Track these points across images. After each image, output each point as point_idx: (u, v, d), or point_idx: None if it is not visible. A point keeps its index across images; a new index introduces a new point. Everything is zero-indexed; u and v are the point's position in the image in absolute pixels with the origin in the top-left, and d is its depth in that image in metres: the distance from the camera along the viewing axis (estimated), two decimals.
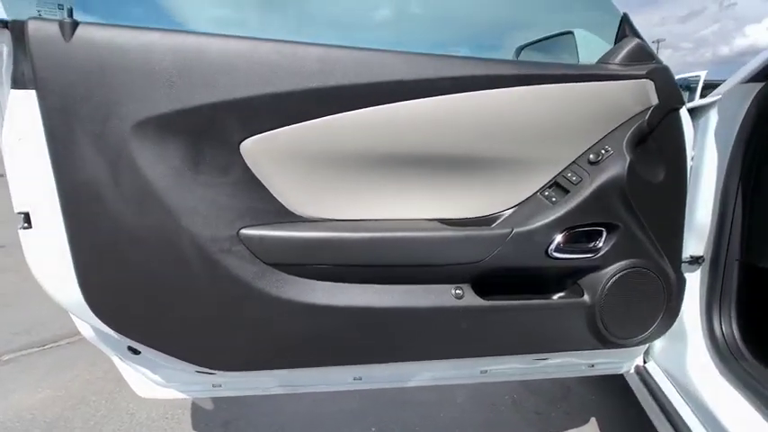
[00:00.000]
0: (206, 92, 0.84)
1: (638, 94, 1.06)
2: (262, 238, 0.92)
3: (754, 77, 1.22)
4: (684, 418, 1.31)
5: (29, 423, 1.81)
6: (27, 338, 2.51)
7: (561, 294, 1.16)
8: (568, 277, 1.15)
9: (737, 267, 1.32)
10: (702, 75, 3.11)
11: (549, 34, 1.43)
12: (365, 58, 0.91)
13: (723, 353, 1.29)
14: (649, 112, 1.06)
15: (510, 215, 1.11)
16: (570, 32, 1.31)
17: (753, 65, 1.23)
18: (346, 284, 0.98)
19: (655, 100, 1.06)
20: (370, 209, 1.02)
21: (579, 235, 1.09)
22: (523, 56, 1.54)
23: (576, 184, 1.06)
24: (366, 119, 0.93)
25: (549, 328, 1.14)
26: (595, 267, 1.12)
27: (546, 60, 1.51)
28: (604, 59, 1.10)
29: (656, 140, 1.10)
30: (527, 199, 1.11)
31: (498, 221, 1.10)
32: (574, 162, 1.10)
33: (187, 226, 0.86)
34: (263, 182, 0.92)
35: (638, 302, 1.16)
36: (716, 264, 1.35)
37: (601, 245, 1.09)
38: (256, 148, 0.89)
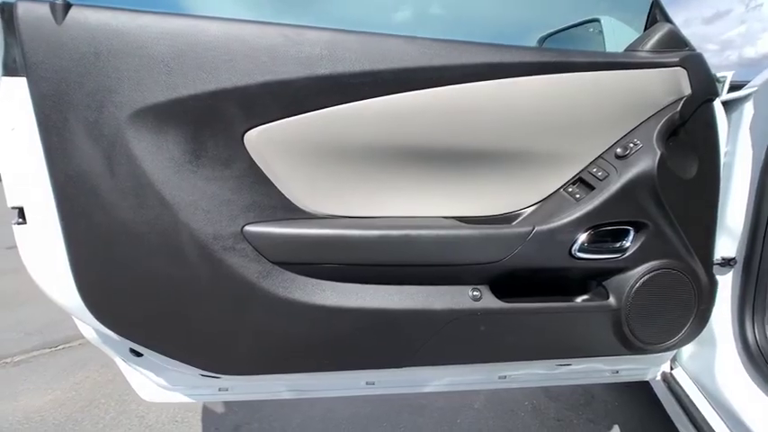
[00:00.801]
0: (206, 79, 0.79)
1: (670, 84, 0.99)
2: (267, 236, 0.87)
3: None
4: (714, 428, 1.23)
5: (37, 425, 1.79)
6: (39, 339, 2.51)
7: (585, 297, 1.09)
8: (593, 279, 1.08)
9: None
10: (729, 75, 2.99)
11: (574, 23, 1.36)
12: (378, 44, 0.86)
13: (756, 360, 1.21)
14: (682, 102, 0.99)
15: (531, 213, 1.04)
16: (597, 20, 1.24)
17: None
18: (357, 285, 0.93)
19: (688, 90, 0.99)
20: (382, 206, 0.97)
21: (605, 234, 1.02)
22: (547, 45, 1.48)
23: (601, 180, 0.99)
24: (379, 109, 0.87)
25: (571, 332, 1.07)
26: (622, 268, 1.05)
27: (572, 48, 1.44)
28: (633, 46, 1.03)
29: (688, 133, 1.03)
30: (549, 196, 1.05)
31: (518, 219, 1.04)
32: (600, 156, 1.03)
33: (188, 222, 0.82)
34: (268, 176, 0.87)
35: (668, 306, 1.08)
36: (749, 266, 1.26)
37: (628, 244, 1.02)
38: (261, 140, 0.85)
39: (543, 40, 1.48)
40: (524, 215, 1.04)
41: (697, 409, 1.28)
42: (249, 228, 0.86)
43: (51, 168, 0.76)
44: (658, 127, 0.98)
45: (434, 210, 1.01)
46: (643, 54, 1.00)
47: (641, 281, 1.04)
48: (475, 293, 0.99)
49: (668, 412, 1.38)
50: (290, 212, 0.90)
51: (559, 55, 0.97)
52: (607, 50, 1.22)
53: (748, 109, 1.24)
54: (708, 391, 1.27)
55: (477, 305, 0.98)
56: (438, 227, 0.95)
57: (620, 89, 0.99)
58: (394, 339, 0.97)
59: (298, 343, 0.93)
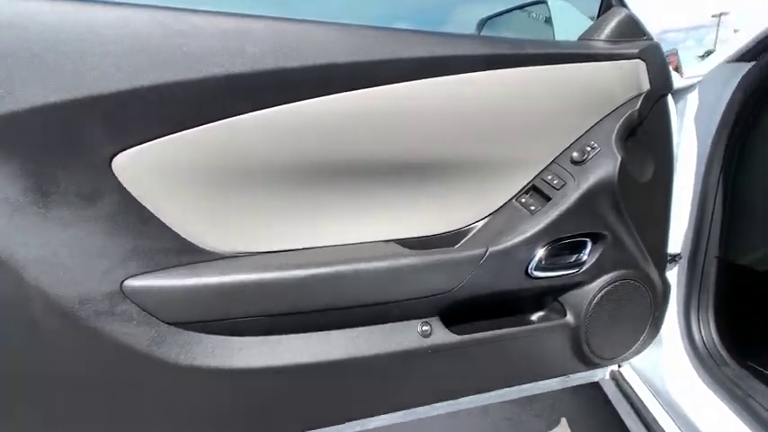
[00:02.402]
0: (51, 86, 0.56)
1: (629, 78, 0.88)
2: (158, 290, 0.67)
3: (742, 57, 1.08)
4: (664, 426, 1.22)
5: None
6: None
7: (542, 316, 0.99)
8: (549, 297, 0.98)
9: (716, 265, 1.22)
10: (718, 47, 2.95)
11: (517, 4, 1.22)
12: (290, 34, 0.67)
13: (703, 358, 1.19)
14: (641, 99, 0.89)
15: (481, 228, 0.92)
16: (543, 1, 1.11)
17: (740, 42, 1.09)
18: (282, 337, 0.76)
19: (647, 85, 0.89)
20: (306, 235, 0.80)
21: (561, 248, 0.92)
22: (486, 31, 1.33)
23: (558, 190, 0.88)
24: (293, 117, 0.69)
25: (529, 356, 0.97)
26: (579, 283, 0.96)
27: (515, 36, 1.31)
28: (588, 35, 0.92)
29: (645, 132, 0.94)
30: (501, 208, 0.93)
31: (468, 237, 0.91)
32: (554, 162, 0.91)
33: (38, 285, 0.60)
34: (152, 210, 0.66)
35: (625, 317, 1.02)
36: (694, 262, 1.24)
37: (585, 258, 0.93)
38: (137, 165, 0.63)
39: (483, 23, 1.34)
40: (474, 231, 0.91)
41: (645, 407, 1.26)
42: (131, 282, 0.65)
43: None
44: (617, 127, 0.88)
45: (370, 234, 0.85)
46: (600, 44, 0.89)
47: (599, 295, 0.96)
48: (424, 329, 0.85)
49: (618, 410, 1.36)
50: (187, 255, 0.70)
51: (506, 46, 0.83)
52: (556, 36, 1.10)
53: (692, 100, 1.19)
54: (656, 389, 1.25)
55: (428, 342, 0.85)
56: (376, 258, 0.79)
57: (576, 85, 0.87)
58: (333, 394, 0.81)
59: (213, 419, 0.75)
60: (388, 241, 0.86)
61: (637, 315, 1.02)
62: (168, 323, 0.68)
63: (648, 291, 1.01)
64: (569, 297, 0.97)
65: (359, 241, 0.84)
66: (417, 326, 0.85)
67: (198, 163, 0.67)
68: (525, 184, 0.92)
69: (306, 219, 0.78)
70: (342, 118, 0.72)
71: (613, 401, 1.37)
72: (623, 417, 1.34)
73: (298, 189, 0.76)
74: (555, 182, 0.89)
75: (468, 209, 0.91)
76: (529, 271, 0.89)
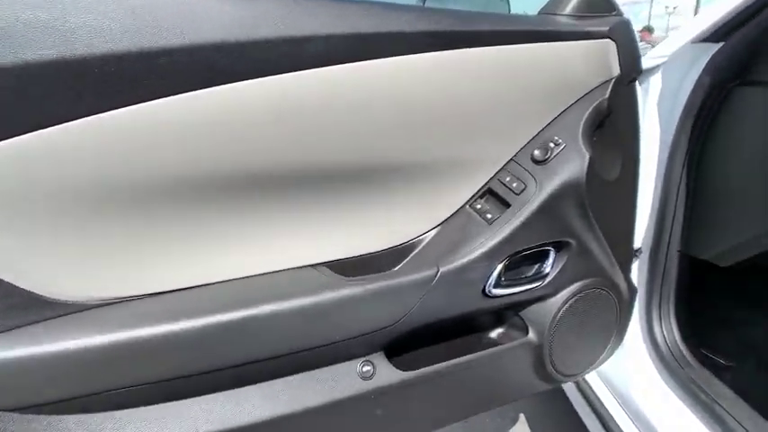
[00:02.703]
0: None
1: (598, 61, 0.75)
2: None
3: (709, 37, 0.98)
4: (624, 429, 1.16)
5: None
6: None
7: (501, 336, 0.87)
8: (509, 315, 0.86)
9: (678, 260, 1.15)
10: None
11: None
12: (153, 7, 0.48)
13: (665, 358, 1.14)
14: (610, 85, 0.76)
15: (431, 241, 0.77)
16: None
17: (707, 22, 0.99)
18: (172, 405, 0.58)
19: (617, 69, 0.77)
20: (200, 268, 0.62)
21: (522, 260, 0.79)
22: (430, 2, 1.15)
23: (518, 194, 0.75)
24: (176, 112, 0.51)
25: (488, 383, 0.85)
26: (542, 297, 0.84)
27: (463, 9, 1.15)
28: (550, 9, 0.78)
29: (613, 124, 0.82)
30: (452, 216, 0.79)
31: (415, 252, 0.77)
32: (512, 160, 0.78)
33: None
34: None
35: (591, 329, 0.92)
36: (655, 257, 1.17)
37: (548, 270, 0.81)
38: None
39: None
40: (422, 246, 0.77)
41: (607, 410, 1.19)
42: None
43: None
44: (584, 119, 0.76)
45: (294, 258, 0.69)
46: (564, 21, 0.75)
47: (564, 308, 0.85)
48: (365, 369, 0.71)
49: (579, 413, 1.29)
50: (30, 311, 0.51)
51: (453, 22, 0.68)
52: (512, 10, 0.95)
53: (655, 83, 1.09)
54: (619, 392, 1.19)
55: (371, 385, 0.70)
56: (299, 292, 0.63)
57: (537, 69, 0.73)
58: None
59: None
60: (317, 265, 0.70)
61: (603, 324, 0.93)
62: (10, 410, 0.49)
63: (615, 298, 0.91)
64: (531, 312, 0.86)
65: (276, 269, 0.67)
66: (357, 366, 0.70)
67: (39, 178, 0.47)
68: (480, 187, 0.78)
69: (200, 246, 0.60)
70: (243, 113, 0.54)
71: (575, 404, 1.31)
72: (584, 419, 1.28)
73: (186, 208, 0.58)
74: (514, 185, 0.75)
75: (413, 219, 0.76)
76: (486, 290, 0.76)
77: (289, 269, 0.68)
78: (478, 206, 0.78)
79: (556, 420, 1.62)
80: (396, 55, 0.62)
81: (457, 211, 0.78)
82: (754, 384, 1.16)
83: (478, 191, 0.78)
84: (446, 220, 0.78)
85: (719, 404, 0.98)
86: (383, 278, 0.68)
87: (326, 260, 0.71)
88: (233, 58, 0.52)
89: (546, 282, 0.82)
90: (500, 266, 0.76)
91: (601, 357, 0.97)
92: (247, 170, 0.59)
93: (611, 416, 1.17)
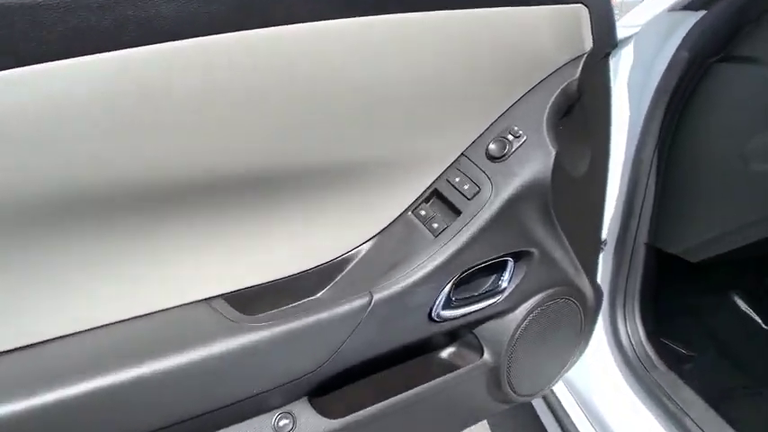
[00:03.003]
0: None
1: (569, 32, 0.61)
2: None
3: (689, 5, 0.85)
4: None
5: None
6: None
7: (452, 359, 0.75)
8: (462, 332, 0.74)
9: (645, 253, 1.06)
10: None
11: None
12: None
13: (630, 360, 1.06)
14: (582, 62, 0.62)
15: (363, 258, 0.63)
16: None
17: None
18: None
19: (589, 42, 0.62)
20: (43, 317, 0.45)
21: (476, 273, 0.66)
22: None
23: (470, 199, 0.61)
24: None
25: (437, 415, 0.74)
26: (500, 313, 0.72)
27: None
28: None
29: (584, 108, 0.69)
30: (390, 225, 0.64)
31: (345, 273, 0.62)
32: (463, 156, 0.64)
33: None
34: None
35: (553, 342, 0.81)
36: (621, 248, 1.07)
37: (505, 284, 0.69)
38: None
39: None
40: (352, 265, 0.63)
41: (570, 419, 1.12)
42: None
43: None
44: (550, 104, 0.62)
45: (183, 292, 0.52)
46: None
47: (524, 324, 0.73)
48: (282, 423, 0.56)
49: (543, 422, 1.21)
50: None
51: None
52: None
53: (625, 58, 0.96)
54: (582, 399, 1.11)
55: None
56: (187, 341, 0.47)
57: (494, 41, 0.58)
58: None
59: None
60: (212, 300, 0.54)
61: (566, 336, 0.83)
62: None
63: (579, 306, 0.81)
64: (487, 330, 0.73)
65: (157, 309, 0.51)
66: (272, 421, 0.56)
67: None
68: (424, 189, 0.64)
69: (42, 286, 0.44)
70: (101, 98, 0.37)
71: (538, 411, 1.23)
72: (548, 429, 1.21)
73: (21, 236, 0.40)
74: (465, 187, 0.61)
75: (340, 232, 0.61)
76: (433, 314, 0.63)
77: (174, 308, 0.52)
78: (422, 213, 0.63)
79: (517, 424, 1.55)
80: (302, 21, 0.45)
81: (395, 219, 0.64)
82: (715, 373, 1.12)
83: (422, 194, 0.64)
84: (382, 231, 0.64)
85: (686, 413, 0.91)
86: (301, 312, 0.54)
87: (227, 291, 0.56)
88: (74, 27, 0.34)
89: (503, 297, 0.69)
90: (449, 286, 0.62)
91: (563, 370, 0.87)
92: (107, 182, 0.42)
93: (575, 425, 1.10)
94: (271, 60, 0.45)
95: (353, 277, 0.61)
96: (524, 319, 0.73)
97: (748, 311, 1.24)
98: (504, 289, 0.69)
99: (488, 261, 0.64)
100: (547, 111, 0.61)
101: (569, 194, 0.70)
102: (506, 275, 0.68)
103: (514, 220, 0.62)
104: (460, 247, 0.60)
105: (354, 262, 0.62)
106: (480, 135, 0.63)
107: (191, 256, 0.52)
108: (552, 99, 0.61)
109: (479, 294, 0.68)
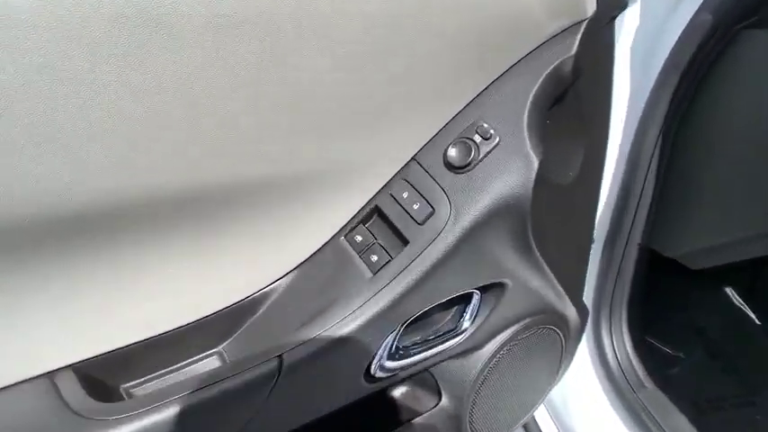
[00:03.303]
0: None
1: None
2: None
3: None
4: None
5: None
6: None
7: (402, 407, 0.61)
8: (413, 385, 0.60)
9: (637, 254, 0.92)
10: None
11: None
12: None
13: (616, 379, 0.94)
14: (581, 32, 0.44)
15: (275, 303, 0.47)
16: None
17: None
18: None
19: (592, 4, 0.44)
20: None
21: (431, 313, 0.51)
22: None
23: (421, 224, 0.45)
24: None
25: None
26: (461, 354, 0.57)
27: None
28: None
29: (578, 95, 0.52)
30: (316, 254, 0.48)
31: (245, 326, 0.46)
32: (414, 162, 0.47)
33: None
34: None
35: (527, 376, 0.68)
36: (611, 249, 0.93)
37: (467, 324, 0.54)
38: None
39: None
40: (260, 312, 0.47)
41: None
42: None
43: None
44: (534, 91, 0.45)
45: (19, 362, 0.36)
46: None
47: (490, 365, 0.59)
48: None
49: None
50: None
51: None
52: None
53: (629, 24, 0.78)
54: (562, 422, 0.99)
55: None
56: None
57: (457, 2, 0.40)
58: None
59: None
60: (57, 373, 0.38)
61: (543, 367, 0.69)
62: None
63: (560, 334, 0.67)
64: (446, 372, 0.59)
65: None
66: None
67: None
68: (361, 206, 0.47)
69: None
70: None
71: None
72: None
73: None
74: (415, 207, 0.45)
75: (243, 266, 0.45)
76: (372, 370, 0.48)
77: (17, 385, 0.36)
78: (358, 238, 0.47)
79: None
80: None
81: (323, 246, 0.47)
82: (705, 379, 1.02)
83: (358, 212, 0.47)
84: (305, 261, 0.47)
85: None
86: (185, 389, 0.38)
87: (82, 358, 0.39)
88: None
89: (466, 336, 0.54)
90: (392, 336, 0.47)
91: (542, 398, 0.74)
92: None
93: None
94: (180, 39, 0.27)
95: (258, 329, 0.45)
96: (493, 356, 0.59)
97: (741, 314, 1.14)
98: (466, 329, 0.54)
99: (445, 302, 0.49)
100: (529, 101, 0.44)
101: (554, 209, 0.54)
102: (469, 312, 0.53)
103: (480, 250, 0.47)
104: (406, 290, 0.44)
105: (263, 309, 0.46)
106: (436, 134, 0.46)
107: (31, 312, 0.35)
108: (537, 84, 0.44)
109: (435, 337, 0.53)
